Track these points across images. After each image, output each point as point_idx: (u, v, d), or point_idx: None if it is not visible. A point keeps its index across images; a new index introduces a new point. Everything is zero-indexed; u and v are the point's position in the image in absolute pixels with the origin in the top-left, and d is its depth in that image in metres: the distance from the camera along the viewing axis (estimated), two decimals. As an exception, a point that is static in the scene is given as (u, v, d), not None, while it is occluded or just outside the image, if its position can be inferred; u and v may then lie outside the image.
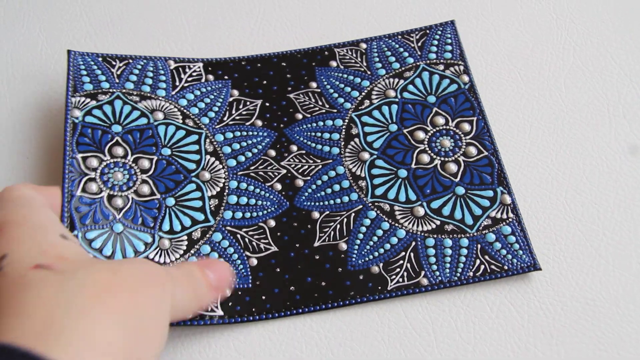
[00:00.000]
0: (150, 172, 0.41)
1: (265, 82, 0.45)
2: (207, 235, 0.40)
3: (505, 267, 0.39)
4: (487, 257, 0.40)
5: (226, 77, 0.45)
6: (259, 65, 0.45)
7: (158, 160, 0.41)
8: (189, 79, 0.44)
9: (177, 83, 0.44)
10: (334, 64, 0.46)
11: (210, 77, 0.45)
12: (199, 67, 0.45)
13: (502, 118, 0.46)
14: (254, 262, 0.39)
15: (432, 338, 0.38)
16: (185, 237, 0.39)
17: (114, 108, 0.42)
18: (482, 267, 0.39)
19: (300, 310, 0.38)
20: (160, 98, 0.43)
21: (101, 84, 0.42)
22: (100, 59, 0.44)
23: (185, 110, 0.43)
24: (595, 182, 0.43)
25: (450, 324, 0.39)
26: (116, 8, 0.51)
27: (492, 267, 0.40)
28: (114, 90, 0.42)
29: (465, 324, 0.39)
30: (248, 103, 0.44)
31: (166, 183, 0.41)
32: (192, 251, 0.39)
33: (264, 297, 0.38)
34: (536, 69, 0.48)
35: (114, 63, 0.44)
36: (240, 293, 0.38)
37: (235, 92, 0.44)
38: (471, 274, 0.39)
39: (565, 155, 0.44)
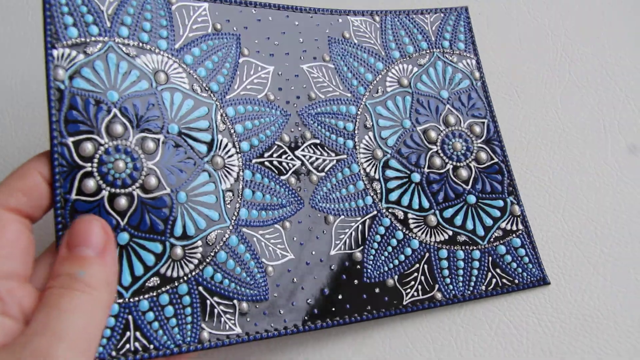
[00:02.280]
0: (157, 158, 0.34)
1: (277, 43, 0.41)
2: (223, 239, 0.36)
3: (516, 281, 0.40)
4: (498, 270, 0.40)
5: (235, 29, 0.39)
6: (270, 19, 0.41)
7: (165, 142, 0.35)
8: (194, 26, 0.38)
9: (181, 32, 0.37)
10: (347, 35, 0.43)
11: (218, 25, 0.39)
12: (204, 11, 0.39)
13: (499, 135, 0.46)
14: (271, 271, 0.37)
15: (432, 356, 0.39)
16: (199, 243, 0.35)
17: (108, 65, 0.34)
18: (494, 280, 0.40)
19: (319, 326, 0.37)
20: (161, 52, 0.36)
21: (89, 27, 0.34)
22: None
23: (191, 72, 0.37)
24: (592, 198, 0.43)
25: (450, 342, 0.39)
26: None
27: (504, 280, 0.40)
28: (106, 38, 0.34)
29: (465, 342, 0.39)
30: (260, 69, 0.40)
31: (176, 173, 0.35)
32: (207, 260, 0.35)
33: (281, 312, 0.37)
34: (532, 85, 0.48)
35: None
36: (257, 307, 0.36)
37: (246, 51, 0.40)
38: (484, 287, 0.40)
39: (562, 172, 0.45)
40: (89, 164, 0.32)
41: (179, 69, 0.37)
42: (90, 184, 0.32)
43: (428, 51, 0.45)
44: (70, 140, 0.32)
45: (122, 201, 0.32)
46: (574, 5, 0.51)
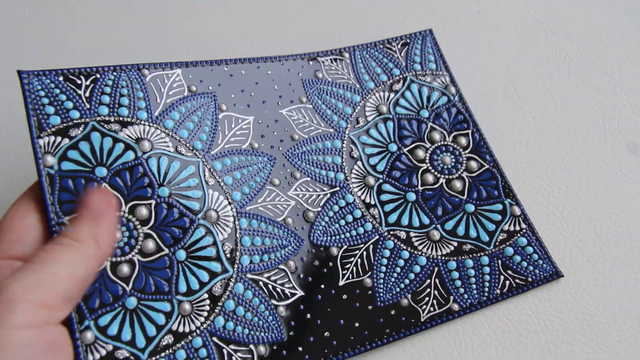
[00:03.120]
0: (152, 223, 0.35)
1: (252, 94, 0.42)
2: (229, 289, 0.36)
3: (530, 279, 0.40)
4: (509, 271, 0.40)
5: (210, 88, 0.41)
6: (242, 72, 0.42)
7: (157, 205, 0.36)
8: (170, 92, 0.39)
9: (158, 100, 0.39)
10: (320, 75, 0.44)
11: (193, 87, 0.40)
12: (178, 77, 0.40)
13: (498, 134, 0.46)
14: (282, 311, 0.37)
15: (431, 356, 0.39)
16: (206, 295, 0.36)
17: (92, 144, 0.35)
18: (507, 282, 0.40)
19: (340, 357, 0.37)
20: (143, 122, 0.37)
21: (69, 112, 0.36)
22: (61, 78, 0.36)
23: (174, 135, 0.38)
24: (591, 198, 0.43)
25: (448, 341, 0.39)
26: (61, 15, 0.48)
27: (517, 281, 0.40)
28: (87, 119, 0.36)
29: (464, 342, 0.39)
30: (240, 121, 0.41)
31: (171, 232, 0.36)
32: (216, 310, 0.36)
33: (300, 349, 0.36)
34: (531, 84, 0.48)
35: (78, 82, 0.37)
36: (275, 348, 0.36)
37: (224, 107, 0.41)
38: (498, 291, 0.40)
39: (561, 171, 0.45)
40: None
41: (161, 135, 0.38)
42: None
43: (401, 76, 0.46)
44: (66, 219, 0.33)
45: (125, 269, 0.34)
46: (573, 4, 0.51)
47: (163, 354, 0.34)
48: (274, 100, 0.43)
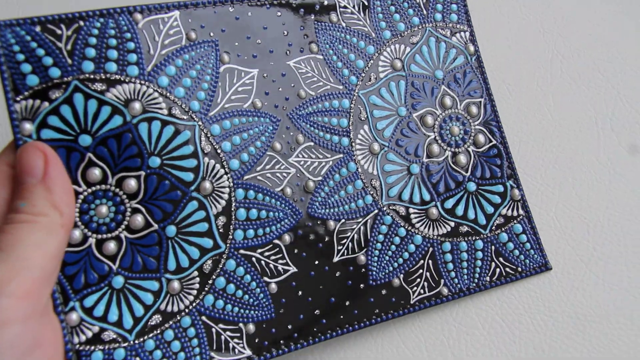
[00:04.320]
0: (141, 196, 0.33)
1: (259, 41, 0.38)
2: (220, 265, 0.35)
3: (519, 269, 0.40)
4: (501, 259, 0.40)
5: (211, 34, 0.36)
6: (249, 14, 0.38)
7: (147, 177, 0.33)
8: (166, 41, 0.35)
9: (152, 51, 0.34)
10: (334, 18, 0.41)
11: (192, 34, 0.36)
12: (175, 21, 0.35)
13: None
14: (274, 288, 0.36)
15: (424, 355, 0.39)
16: (196, 273, 0.34)
17: (75, 108, 0.32)
18: (498, 270, 0.40)
19: (329, 336, 0.36)
20: (133, 79, 0.33)
21: (49, 71, 0.31)
22: (38, 29, 0.31)
23: (168, 95, 0.34)
24: (584, 196, 0.43)
25: (442, 342, 0.39)
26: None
27: (507, 269, 0.40)
28: (69, 78, 0.32)
29: (457, 341, 0.39)
30: (243, 74, 0.37)
31: (162, 206, 0.34)
32: (206, 288, 0.34)
33: (289, 327, 0.36)
34: (524, 82, 0.48)
35: (59, 32, 0.32)
36: (265, 326, 0.35)
37: (226, 57, 0.37)
38: (488, 278, 0.40)
39: (554, 170, 0.44)
40: None
41: (154, 95, 0.34)
42: (76, 234, 0.31)
43: (420, 27, 0.43)
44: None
45: (111, 246, 0.32)
46: (566, 2, 0.51)
47: (151, 335, 0.33)
48: (283, 49, 0.39)
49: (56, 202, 0.29)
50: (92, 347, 0.31)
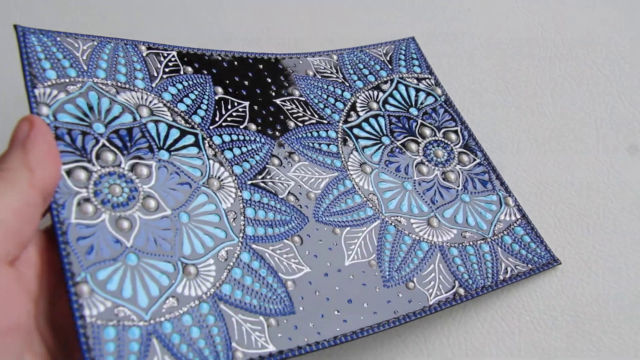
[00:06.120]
0: (153, 182, 0.34)
1: (246, 82, 0.41)
2: (235, 256, 0.35)
3: (530, 266, 0.41)
4: (510, 258, 0.41)
5: (205, 72, 0.40)
6: (235, 64, 0.42)
7: (158, 167, 0.34)
8: (167, 69, 0.39)
9: (155, 73, 0.38)
10: (310, 73, 0.45)
11: (189, 69, 0.39)
12: (174, 57, 0.39)
13: (489, 132, 0.46)
14: (291, 285, 0.36)
15: (424, 355, 0.39)
16: (211, 261, 0.34)
17: (90, 101, 0.34)
18: (509, 269, 0.40)
19: (354, 337, 0.36)
20: (140, 90, 0.37)
21: (66, 70, 0.34)
22: (59, 39, 0.35)
23: (172, 107, 0.37)
24: (583, 195, 0.43)
25: (442, 341, 0.39)
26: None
27: (519, 267, 0.40)
28: (85, 79, 0.35)
29: (457, 341, 0.39)
30: (236, 104, 0.40)
31: (174, 195, 0.34)
32: (222, 277, 0.34)
33: (312, 325, 0.35)
34: (522, 81, 0.48)
35: (76, 45, 0.36)
36: (286, 321, 0.34)
37: (220, 90, 0.40)
38: (501, 277, 0.40)
39: (553, 168, 0.44)
40: (85, 190, 0.31)
41: (159, 104, 0.37)
42: (89, 208, 0.31)
43: (388, 78, 0.47)
44: (63, 168, 0.31)
45: (125, 224, 0.32)
46: (565, 1, 0.51)
47: (168, 317, 0.31)
48: (268, 91, 0.42)
49: (29, 162, 0.29)
50: (104, 322, 0.29)
